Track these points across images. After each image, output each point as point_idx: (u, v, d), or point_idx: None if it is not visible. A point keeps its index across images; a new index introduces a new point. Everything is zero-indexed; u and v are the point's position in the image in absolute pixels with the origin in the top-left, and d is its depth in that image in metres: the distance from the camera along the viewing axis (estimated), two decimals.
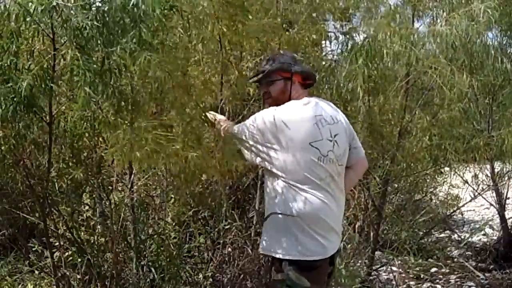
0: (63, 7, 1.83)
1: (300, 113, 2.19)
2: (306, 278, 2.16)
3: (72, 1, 1.84)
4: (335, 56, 3.64)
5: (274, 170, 2.19)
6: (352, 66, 3.12)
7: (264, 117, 2.19)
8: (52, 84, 2.03)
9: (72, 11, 1.81)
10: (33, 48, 2.16)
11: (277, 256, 2.19)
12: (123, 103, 2.04)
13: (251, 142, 2.21)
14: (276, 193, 2.21)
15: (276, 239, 2.21)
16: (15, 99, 1.96)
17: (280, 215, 2.20)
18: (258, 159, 2.23)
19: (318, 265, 2.19)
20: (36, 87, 1.98)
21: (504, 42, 4.43)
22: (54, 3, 1.81)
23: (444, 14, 3.26)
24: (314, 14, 3.14)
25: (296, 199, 2.16)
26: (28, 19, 1.88)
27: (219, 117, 2.38)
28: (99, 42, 1.83)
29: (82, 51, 1.84)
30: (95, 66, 1.83)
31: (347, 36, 3.29)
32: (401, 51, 2.98)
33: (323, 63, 3.44)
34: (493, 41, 4.31)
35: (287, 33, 2.97)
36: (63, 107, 2.35)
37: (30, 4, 1.84)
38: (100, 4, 1.84)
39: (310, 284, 2.16)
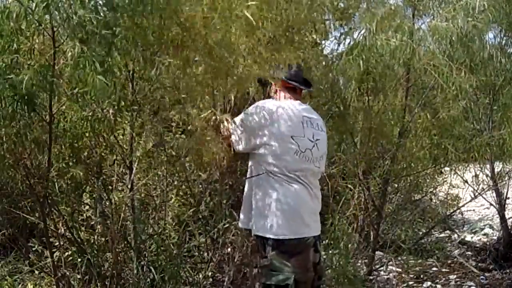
0: (64, 3, 1.83)
1: (291, 109, 2.41)
2: (289, 262, 2.30)
3: None
4: (335, 57, 3.63)
5: (257, 157, 2.40)
6: (347, 57, 3.13)
7: (260, 105, 2.42)
8: (53, 82, 2.02)
9: (72, 6, 1.80)
10: (33, 47, 2.16)
11: (253, 232, 2.41)
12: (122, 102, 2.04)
13: (243, 130, 2.43)
14: (257, 178, 2.41)
15: (254, 217, 2.42)
16: (15, 98, 1.96)
17: (256, 199, 2.40)
18: (244, 144, 2.43)
19: (299, 249, 2.33)
20: (36, 85, 1.98)
21: (504, 42, 4.42)
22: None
23: (443, 11, 3.25)
24: (314, 14, 3.13)
25: (273, 186, 2.35)
26: (29, 17, 1.88)
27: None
28: (101, 37, 1.83)
29: (85, 45, 1.84)
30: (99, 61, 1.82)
31: (347, 36, 3.29)
32: (398, 45, 2.98)
33: (323, 63, 3.44)
34: (494, 41, 4.31)
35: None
36: (63, 107, 2.35)
37: (31, 2, 1.83)
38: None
39: (293, 268, 2.29)
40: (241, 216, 2.55)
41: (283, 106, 2.41)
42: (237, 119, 2.47)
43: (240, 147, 2.47)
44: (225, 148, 2.49)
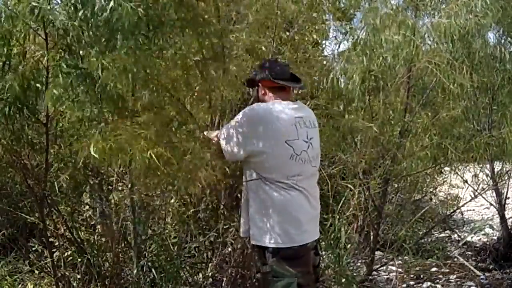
0: (47, 10, 1.82)
1: (282, 111, 2.31)
2: (290, 267, 2.27)
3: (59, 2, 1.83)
4: (335, 56, 3.63)
5: (251, 164, 2.33)
6: (350, 53, 3.11)
7: (249, 111, 2.33)
8: (47, 85, 2.02)
9: (56, 12, 1.80)
10: (25, 50, 2.15)
11: (252, 242, 2.36)
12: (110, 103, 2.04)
13: (234, 138, 2.32)
14: (252, 186, 2.35)
15: (252, 226, 2.35)
16: (8, 100, 1.96)
17: (253, 207, 2.34)
18: (237, 153, 2.32)
19: (301, 254, 2.31)
20: (29, 88, 1.98)
21: (503, 42, 4.42)
22: (34, 4, 1.80)
23: (444, 10, 3.24)
24: (314, 14, 3.14)
25: (269, 195, 2.29)
26: (18, 21, 1.88)
27: (213, 133, 2.51)
28: (84, 43, 1.83)
29: (67, 52, 1.84)
30: (79, 67, 1.82)
31: (348, 36, 3.29)
32: (401, 42, 2.96)
33: (324, 62, 3.44)
34: (494, 40, 4.31)
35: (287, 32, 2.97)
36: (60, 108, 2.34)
37: (19, 6, 1.83)
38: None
39: (295, 273, 2.27)
40: (241, 224, 2.48)
41: (273, 110, 2.31)
42: (227, 128, 2.37)
43: (233, 157, 2.37)
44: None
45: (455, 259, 5.00)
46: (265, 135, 2.26)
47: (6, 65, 2.07)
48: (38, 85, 2.05)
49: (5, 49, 2.03)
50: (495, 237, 5.39)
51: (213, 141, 2.43)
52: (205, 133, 2.52)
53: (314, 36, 3.18)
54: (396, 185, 4.59)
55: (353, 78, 3.17)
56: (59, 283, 2.76)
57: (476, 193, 4.63)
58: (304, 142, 2.34)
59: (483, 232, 5.67)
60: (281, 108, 2.33)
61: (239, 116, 2.34)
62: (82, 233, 2.95)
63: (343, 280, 3.27)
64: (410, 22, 3.04)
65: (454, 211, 5.45)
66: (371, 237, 4.04)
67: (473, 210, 6.82)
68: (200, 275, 3.04)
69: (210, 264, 3.04)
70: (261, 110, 2.31)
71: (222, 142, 2.37)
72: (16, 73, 2.05)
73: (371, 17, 3.14)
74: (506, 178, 4.89)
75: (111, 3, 1.71)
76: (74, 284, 2.87)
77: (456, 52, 3.30)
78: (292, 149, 2.29)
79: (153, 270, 2.91)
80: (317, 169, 2.46)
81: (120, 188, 3.02)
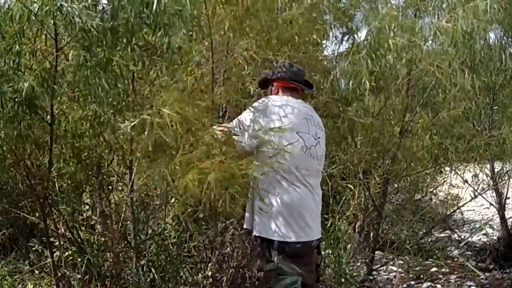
0: (68, 8, 1.82)
1: (295, 105, 2.39)
2: (295, 265, 2.28)
3: (77, 2, 1.82)
4: (335, 56, 3.62)
5: (261, 155, 2.32)
6: (354, 57, 3.09)
7: (261, 102, 2.38)
8: (54, 85, 2.02)
9: (76, 12, 1.79)
10: (35, 49, 2.15)
11: (256, 233, 2.36)
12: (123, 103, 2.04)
13: (246, 128, 2.34)
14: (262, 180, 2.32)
15: (257, 219, 2.37)
16: (16, 99, 1.96)
17: (259, 200, 2.32)
18: (250, 141, 2.33)
19: (304, 253, 2.32)
20: (38, 87, 1.98)
21: (504, 42, 4.42)
22: (59, 4, 1.80)
23: (446, 12, 3.23)
24: (314, 14, 3.13)
25: (276, 189, 2.30)
26: (31, 19, 1.88)
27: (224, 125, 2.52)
28: (103, 42, 1.83)
29: (87, 51, 1.84)
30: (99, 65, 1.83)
31: (348, 36, 3.28)
32: (405, 45, 2.95)
33: (324, 63, 3.43)
34: (495, 41, 4.31)
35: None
36: (64, 107, 2.34)
37: (34, 4, 1.83)
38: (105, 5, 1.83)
39: (300, 271, 2.28)
40: (246, 217, 2.48)
41: (286, 102, 2.37)
42: (239, 119, 2.40)
43: (245, 147, 2.35)
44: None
45: (455, 259, 5.00)
46: (277, 124, 2.29)
47: (16, 64, 2.06)
48: (53, 85, 2.04)
49: (16, 47, 2.03)
50: (495, 237, 5.39)
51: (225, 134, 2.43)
52: (215, 126, 2.52)
53: (314, 36, 3.17)
54: (396, 185, 4.59)
55: (353, 79, 3.16)
56: (59, 283, 2.75)
57: (476, 193, 4.64)
58: (314, 138, 2.39)
59: (483, 232, 5.67)
60: (294, 102, 2.41)
61: (250, 108, 2.39)
62: (82, 233, 2.95)
63: (343, 280, 3.27)
64: (415, 25, 3.03)
65: (454, 211, 5.45)
66: (371, 237, 4.04)
67: (473, 210, 6.82)
68: (200, 275, 3.04)
69: (210, 264, 3.04)
70: (277, 100, 2.38)
71: (235, 134, 2.39)
72: (27, 72, 2.04)
73: (372, 18, 3.13)
74: (506, 178, 4.90)
75: None
76: (74, 284, 2.86)
77: (457, 53, 3.29)
78: (303, 141, 2.33)
79: (153, 270, 2.90)
80: (321, 169, 2.50)
81: (120, 188, 3.02)
